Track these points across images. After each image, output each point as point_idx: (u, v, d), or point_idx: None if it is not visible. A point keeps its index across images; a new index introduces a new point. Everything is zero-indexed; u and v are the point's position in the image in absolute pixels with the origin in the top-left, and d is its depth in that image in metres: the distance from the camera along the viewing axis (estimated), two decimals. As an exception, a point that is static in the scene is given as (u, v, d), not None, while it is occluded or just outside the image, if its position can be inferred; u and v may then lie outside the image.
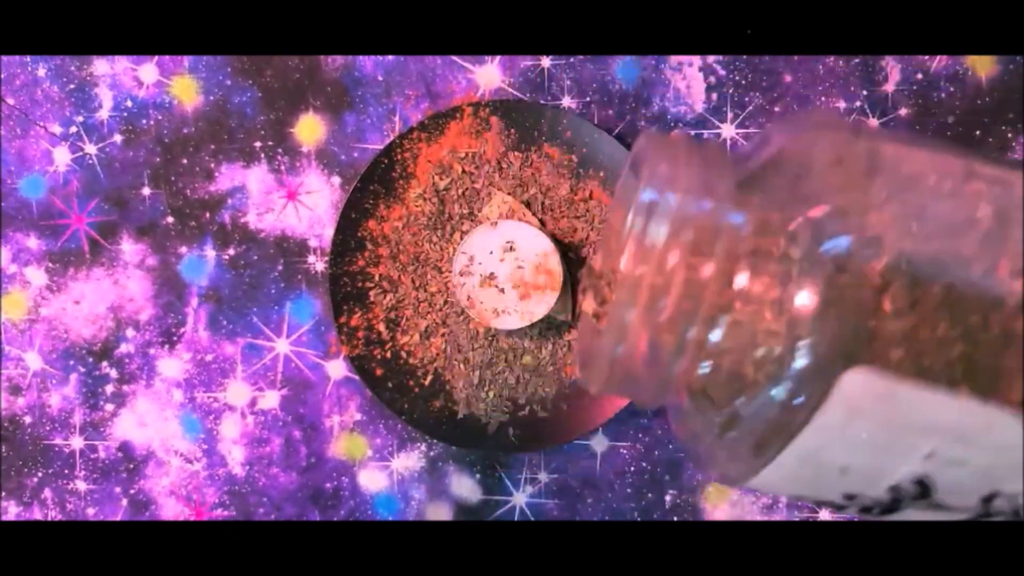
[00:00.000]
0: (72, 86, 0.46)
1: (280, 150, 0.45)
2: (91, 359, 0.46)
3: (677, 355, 0.24)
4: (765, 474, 0.24)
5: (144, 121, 0.45)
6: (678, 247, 0.23)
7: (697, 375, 0.25)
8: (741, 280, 0.24)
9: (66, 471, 0.47)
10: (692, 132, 0.44)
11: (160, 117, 0.45)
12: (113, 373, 0.46)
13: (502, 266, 0.42)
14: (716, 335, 0.24)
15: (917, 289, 0.22)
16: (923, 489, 0.23)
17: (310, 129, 0.45)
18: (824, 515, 0.45)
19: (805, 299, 0.22)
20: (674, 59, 0.44)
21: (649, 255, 0.23)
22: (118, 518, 0.47)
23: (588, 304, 0.31)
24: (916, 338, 0.21)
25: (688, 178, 0.24)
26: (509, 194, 0.44)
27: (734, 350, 0.24)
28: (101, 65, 0.45)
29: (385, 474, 0.46)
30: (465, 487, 0.46)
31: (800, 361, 0.22)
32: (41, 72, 0.46)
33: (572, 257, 0.44)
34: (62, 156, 0.46)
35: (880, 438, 0.22)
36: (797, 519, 0.45)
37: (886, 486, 0.24)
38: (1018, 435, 0.22)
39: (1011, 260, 0.22)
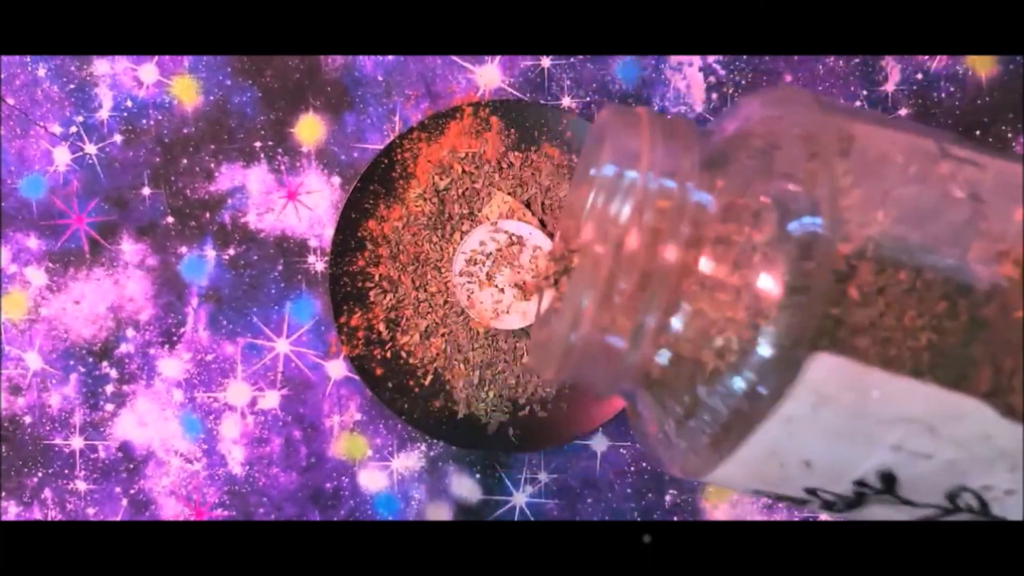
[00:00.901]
0: (72, 86, 0.46)
1: (280, 150, 0.45)
2: (91, 359, 0.46)
3: (634, 343, 0.23)
4: (726, 467, 0.23)
5: (144, 121, 0.45)
6: (639, 228, 0.22)
7: (655, 363, 0.24)
8: (704, 266, 0.22)
9: (66, 471, 0.46)
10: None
11: (160, 117, 0.45)
12: (113, 373, 0.46)
13: (502, 266, 0.42)
14: (676, 323, 0.23)
15: (883, 276, 0.21)
16: (888, 483, 0.22)
17: (310, 129, 0.45)
18: (824, 515, 0.45)
19: (769, 285, 0.21)
20: (674, 59, 0.44)
21: (609, 235, 0.22)
22: (118, 518, 0.46)
23: (546, 287, 0.29)
24: (882, 327, 0.21)
25: (652, 154, 0.23)
26: (509, 194, 0.44)
27: (694, 338, 0.23)
28: (101, 65, 0.45)
29: (385, 474, 0.46)
30: (465, 487, 0.46)
31: (763, 350, 0.21)
32: (41, 72, 0.46)
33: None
34: (62, 156, 0.46)
35: (847, 428, 0.21)
36: (797, 519, 0.45)
37: (851, 480, 0.23)
38: (986, 426, 0.21)
39: (981, 245, 0.21)
